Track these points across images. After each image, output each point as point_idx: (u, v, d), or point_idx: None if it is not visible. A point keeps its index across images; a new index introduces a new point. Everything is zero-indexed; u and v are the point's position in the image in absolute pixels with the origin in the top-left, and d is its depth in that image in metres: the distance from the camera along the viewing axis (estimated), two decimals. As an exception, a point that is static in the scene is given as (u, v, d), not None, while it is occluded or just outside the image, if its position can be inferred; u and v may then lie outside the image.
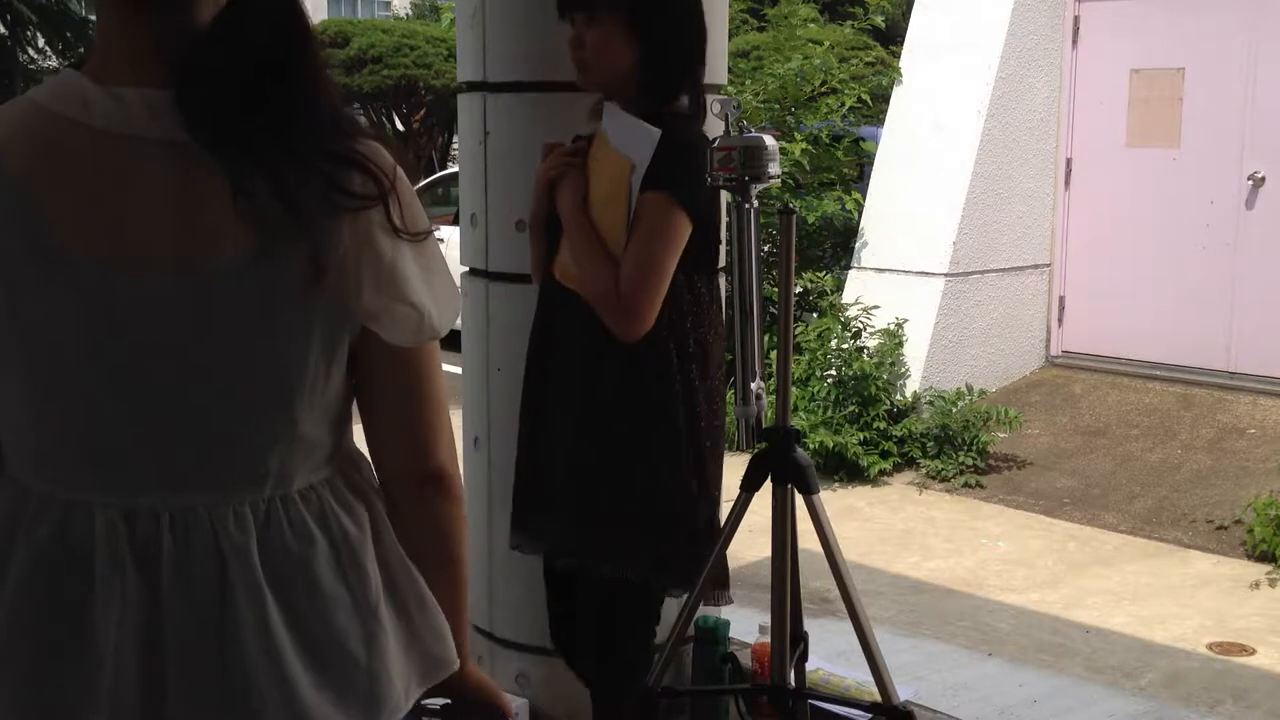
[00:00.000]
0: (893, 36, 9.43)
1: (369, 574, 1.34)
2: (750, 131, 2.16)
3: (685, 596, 2.40)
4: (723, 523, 2.40)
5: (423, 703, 1.44)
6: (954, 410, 6.66)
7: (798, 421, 6.32)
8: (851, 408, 6.66)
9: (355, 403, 1.38)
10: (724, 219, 2.48)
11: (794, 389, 6.30)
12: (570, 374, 2.43)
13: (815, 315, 7.27)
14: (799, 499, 2.27)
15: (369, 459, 1.41)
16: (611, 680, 2.54)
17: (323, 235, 1.23)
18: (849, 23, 8.59)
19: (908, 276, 7.27)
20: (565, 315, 2.43)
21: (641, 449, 2.37)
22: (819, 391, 6.76)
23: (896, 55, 7.98)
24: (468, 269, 3.19)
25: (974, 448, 6.54)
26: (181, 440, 1.25)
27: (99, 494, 1.25)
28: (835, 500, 6.14)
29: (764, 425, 2.24)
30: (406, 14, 24.64)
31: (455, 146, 7.10)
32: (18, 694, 1.26)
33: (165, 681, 1.25)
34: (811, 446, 6.35)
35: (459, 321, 3.25)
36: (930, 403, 6.83)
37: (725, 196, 2.40)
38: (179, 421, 1.25)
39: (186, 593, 1.25)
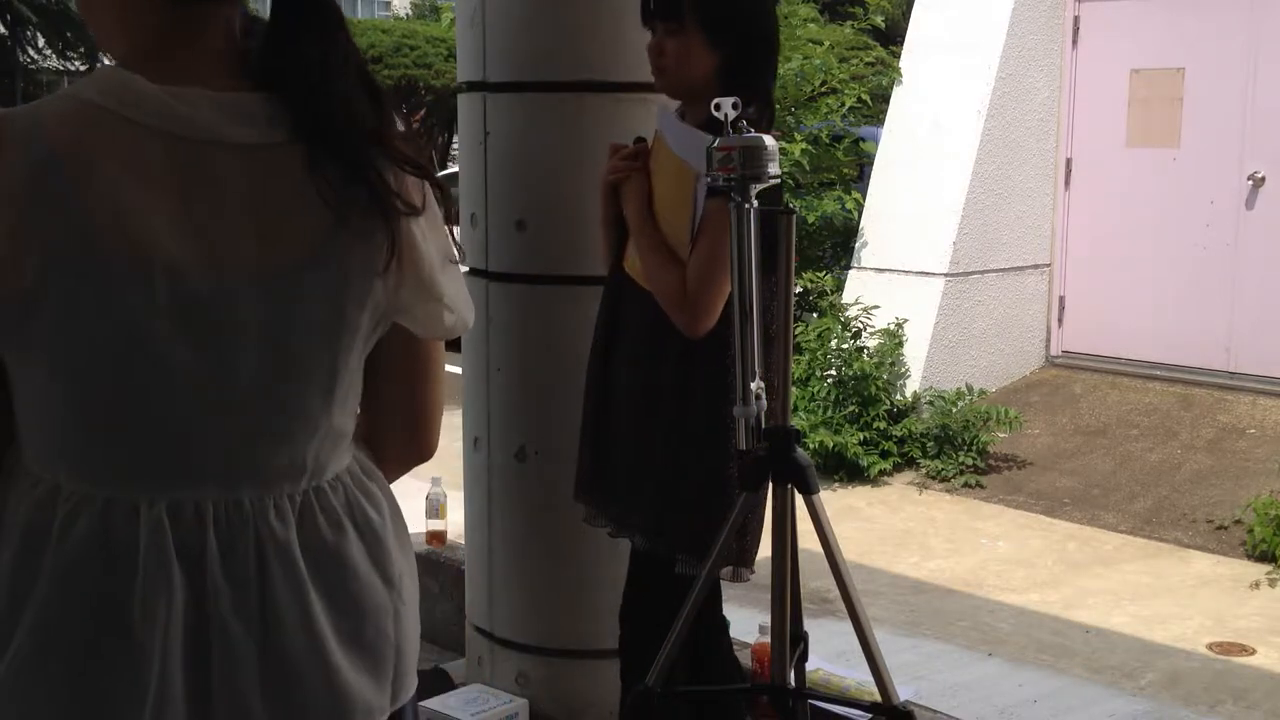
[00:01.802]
0: (893, 36, 9.43)
1: (392, 555, 1.38)
2: (750, 131, 2.16)
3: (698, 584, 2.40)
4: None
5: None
6: (954, 410, 6.66)
7: (798, 421, 6.32)
8: (851, 408, 6.66)
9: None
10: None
11: (794, 389, 6.30)
12: (632, 359, 2.51)
13: (815, 315, 7.27)
14: (799, 499, 2.27)
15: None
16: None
17: (396, 232, 1.28)
18: (849, 23, 8.59)
19: (908, 276, 7.27)
20: (631, 304, 2.52)
21: (696, 434, 2.43)
22: (819, 391, 6.76)
23: (896, 55, 7.98)
24: (468, 269, 3.19)
25: (974, 448, 6.54)
26: (233, 437, 1.27)
27: (144, 491, 1.25)
28: (835, 500, 6.14)
29: (764, 425, 2.24)
30: (406, 14, 24.64)
31: (455, 146, 7.10)
32: (57, 692, 1.25)
33: (210, 674, 1.27)
34: (811, 446, 6.35)
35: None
36: (930, 403, 6.83)
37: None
38: (233, 418, 1.27)
39: (230, 586, 1.26)
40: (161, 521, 1.25)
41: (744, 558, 2.46)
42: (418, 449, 1.47)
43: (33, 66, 9.32)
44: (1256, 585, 5.14)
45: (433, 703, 3.10)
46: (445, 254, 1.36)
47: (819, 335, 6.90)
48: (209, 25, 1.27)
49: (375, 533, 1.36)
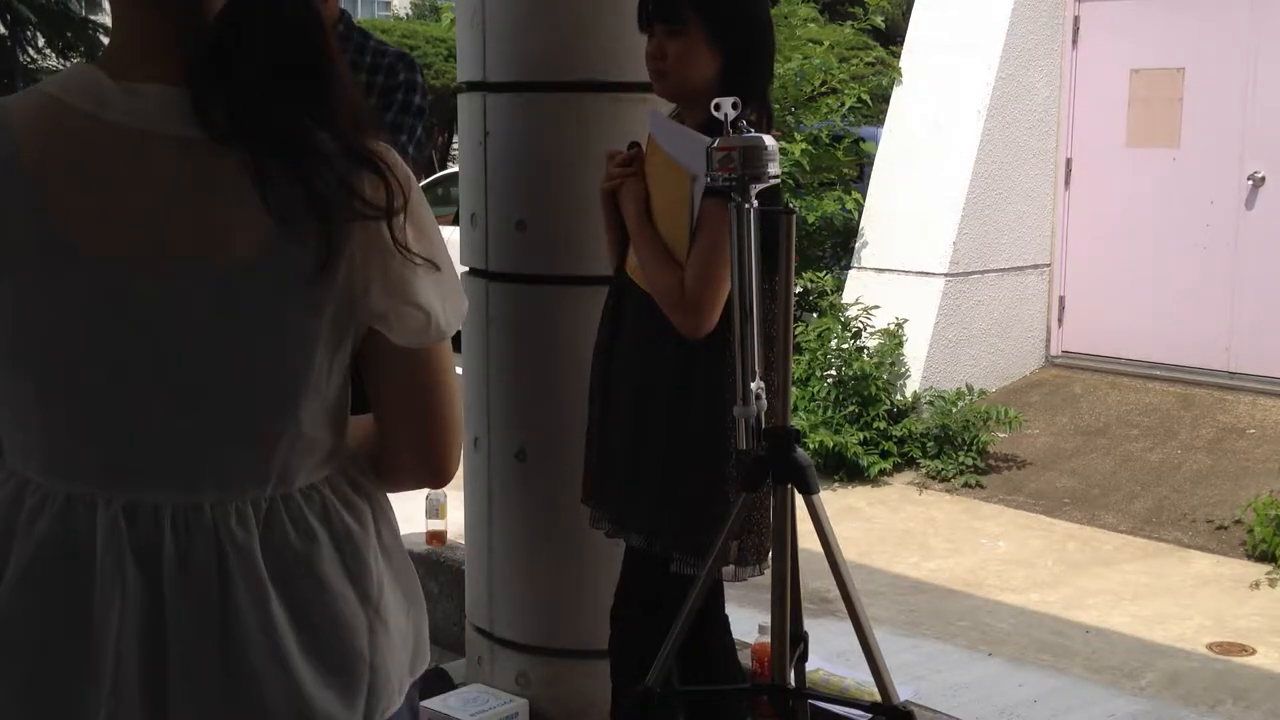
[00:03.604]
0: (893, 36, 9.43)
1: (371, 569, 1.34)
2: (750, 132, 2.16)
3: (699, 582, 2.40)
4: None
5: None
6: (954, 410, 6.66)
7: (798, 421, 6.32)
8: (851, 408, 6.66)
9: (370, 403, 1.38)
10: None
11: (794, 389, 6.30)
12: (633, 360, 2.52)
13: (815, 315, 7.28)
14: (799, 499, 2.27)
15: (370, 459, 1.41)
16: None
17: (335, 233, 1.22)
18: (849, 23, 8.59)
19: (908, 276, 7.27)
20: (632, 306, 2.52)
21: (694, 433, 2.43)
22: (819, 391, 6.76)
23: (896, 55, 7.99)
24: (468, 269, 3.19)
25: (974, 448, 6.54)
26: (188, 437, 1.25)
27: (102, 489, 1.25)
28: (835, 500, 6.14)
29: (764, 425, 2.24)
30: (406, 14, 24.63)
31: (455, 146, 7.10)
32: (20, 691, 1.26)
33: (167, 679, 1.25)
34: (811, 446, 6.35)
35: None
36: (930, 403, 6.83)
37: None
38: (186, 418, 1.25)
39: (188, 589, 1.24)
40: (118, 521, 1.24)
41: (745, 556, 2.46)
42: (429, 469, 1.40)
43: (33, 66, 9.32)
44: (1256, 585, 5.14)
45: (433, 703, 3.10)
46: (427, 254, 1.28)
47: (819, 335, 6.90)
48: (176, 20, 1.24)
49: (355, 546, 1.33)
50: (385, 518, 1.40)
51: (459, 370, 3.15)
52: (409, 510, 1.53)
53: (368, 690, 1.33)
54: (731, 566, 2.46)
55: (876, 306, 7.05)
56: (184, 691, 1.25)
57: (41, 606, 1.25)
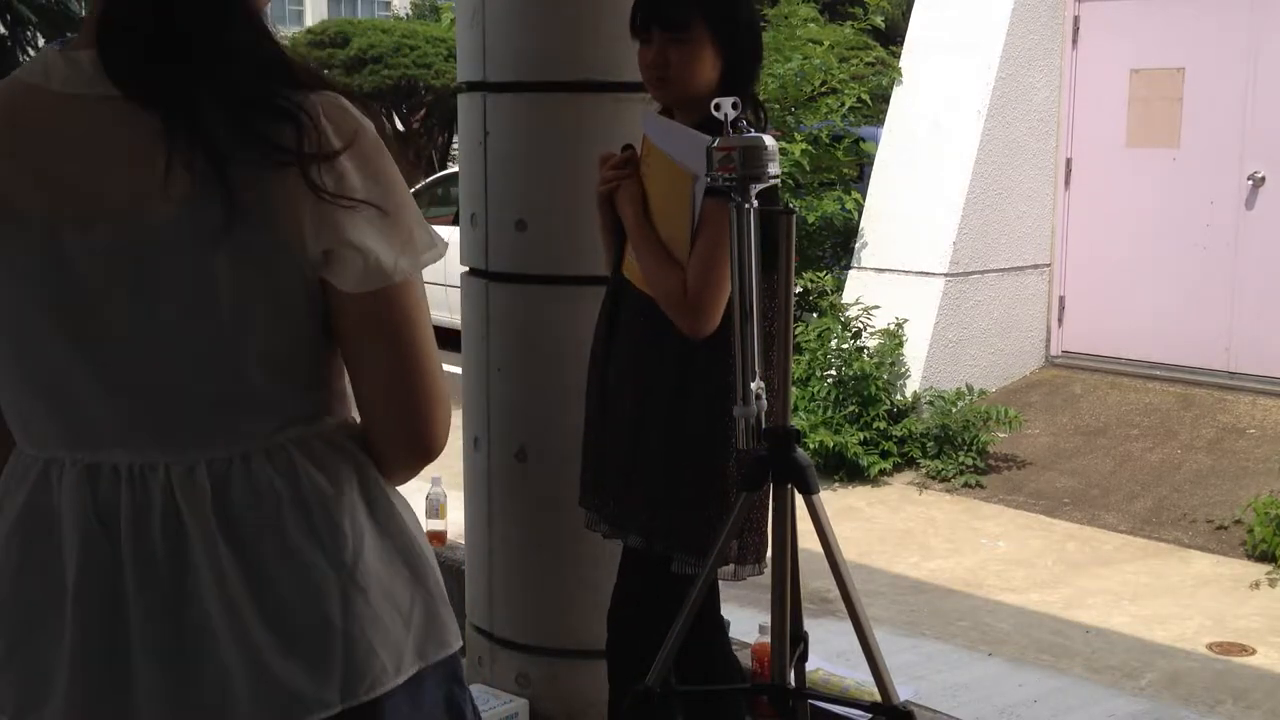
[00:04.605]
0: (893, 36, 9.43)
1: (345, 534, 1.29)
2: (750, 131, 2.16)
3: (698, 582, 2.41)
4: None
5: None
6: (954, 410, 6.66)
7: (798, 421, 6.32)
8: (851, 408, 6.66)
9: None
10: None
11: (794, 389, 6.30)
12: (631, 361, 2.52)
13: (815, 315, 7.28)
14: (799, 499, 2.27)
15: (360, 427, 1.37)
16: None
17: (233, 180, 1.20)
18: (849, 23, 8.59)
19: (908, 276, 7.27)
20: (629, 307, 2.52)
21: (694, 433, 2.43)
22: (819, 391, 6.76)
23: (896, 55, 7.98)
24: (468, 269, 3.19)
25: (974, 448, 6.55)
26: (133, 396, 1.26)
27: (67, 451, 1.28)
28: (835, 500, 6.14)
29: (764, 425, 2.25)
30: (406, 14, 24.64)
31: (455, 146, 7.10)
32: (9, 655, 1.29)
33: (130, 645, 1.25)
34: (811, 446, 6.35)
35: (458, 320, 3.26)
36: (930, 403, 6.83)
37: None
38: (129, 377, 1.25)
39: (145, 552, 1.24)
40: (81, 482, 1.26)
41: (745, 555, 2.46)
42: (409, 437, 1.33)
43: (34, 67, 9.35)
44: (1256, 585, 5.13)
45: (433, 703, 3.10)
46: (369, 197, 1.25)
47: (819, 335, 6.90)
48: None
49: (325, 508, 1.28)
50: (372, 482, 1.34)
51: (458, 370, 3.15)
52: (409, 510, 1.50)
53: (342, 663, 1.28)
54: (732, 566, 2.46)
55: (876, 306, 7.05)
56: (145, 659, 1.25)
57: (18, 574, 1.29)
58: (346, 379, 1.35)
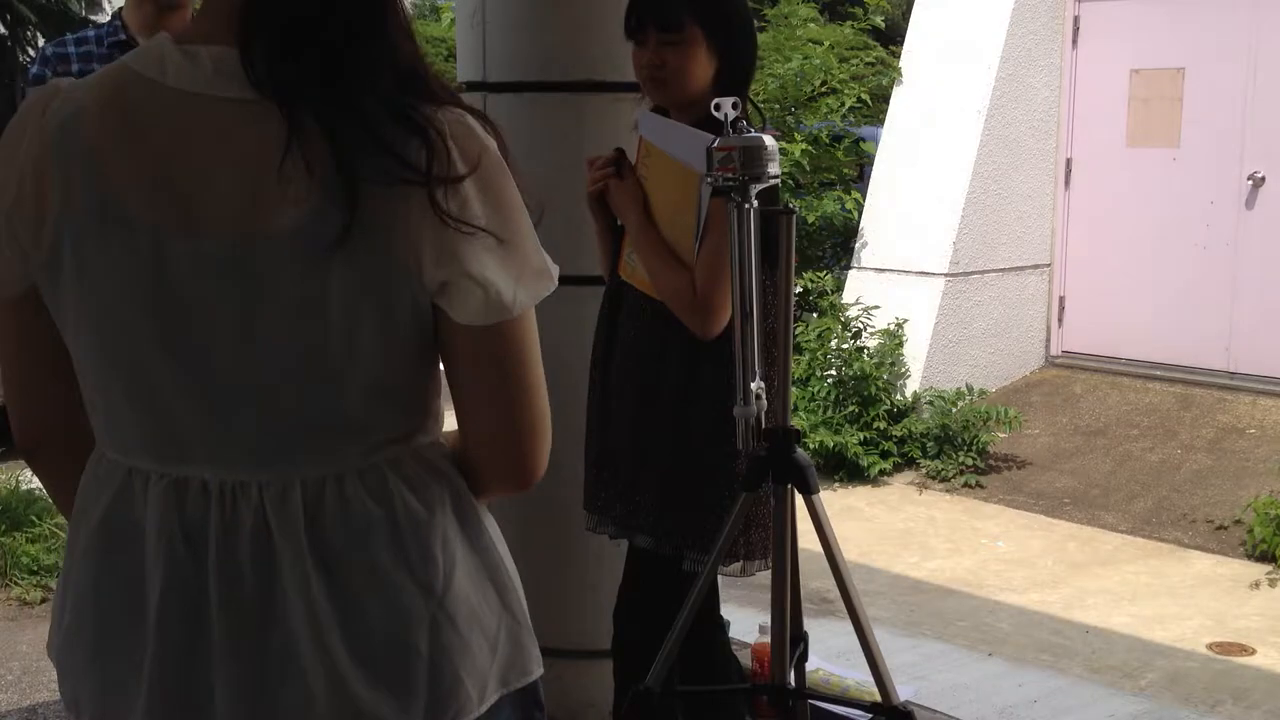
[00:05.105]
0: (893, 36, 9.42)
1: (436, 560, 1.25)
2: (750, 131, 2.16)
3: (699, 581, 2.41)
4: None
5: None
6: (954, 410, 6.66)
7: (798, 421, 6.32)
8: (851, 408, 6.67)
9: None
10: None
11: (794, 389, 6.31)
12: (633, 363, 2.51)
13: (815, 315, 7.28)
14: (799, 499, 2.27)
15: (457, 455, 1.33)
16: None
17: (363, 197, 1.15)
18: (849, 23, 8.59)
19: (908, 276, 7.27)
20: (629, 310, 2.52)
21: (701, 432, 2.43)
22: (819, 391, 6.76)
23: (896, 55, 7.99)
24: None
25: (974, 448, 6.55)
26: (228, 410, 1.20)
27: (155, 463, 1.22)
28: (835, 500, 6.14)
29: (764, 425, 2.25)
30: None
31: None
32: (88, 666, 1.26)
33: (210, 665, 1.21)
34: (811, 446, 6.35)
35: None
36: (930, 403, 6.83)
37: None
38: (226, 391, 1.20)
39: (231, 572, 1.20)
40: (168, 496, 1.21)
41: (753, 551, 2.47)
42: (511, 466, 1.30)
43: (33, 67, 9.32)
44: (1256, 585, 5.14)
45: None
46: (490, 226, 1.20)
47: (819, 335, 6.90)
48: None
49: (418, 533, 1.24)
50: (465, 502, 1.30)
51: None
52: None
53: (427, 693, 1.24)
54: (740, 562, 2.47)
55: (876, 306, 7.05)
56: (226, 678, 1.20)
57: (100, 584, 1.25)
58: (441, 399, 1.31)
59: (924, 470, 6.56)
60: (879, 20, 8.48)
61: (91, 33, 3.39)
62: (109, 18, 3.45)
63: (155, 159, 1.19)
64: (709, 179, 2.19)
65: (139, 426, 1.23)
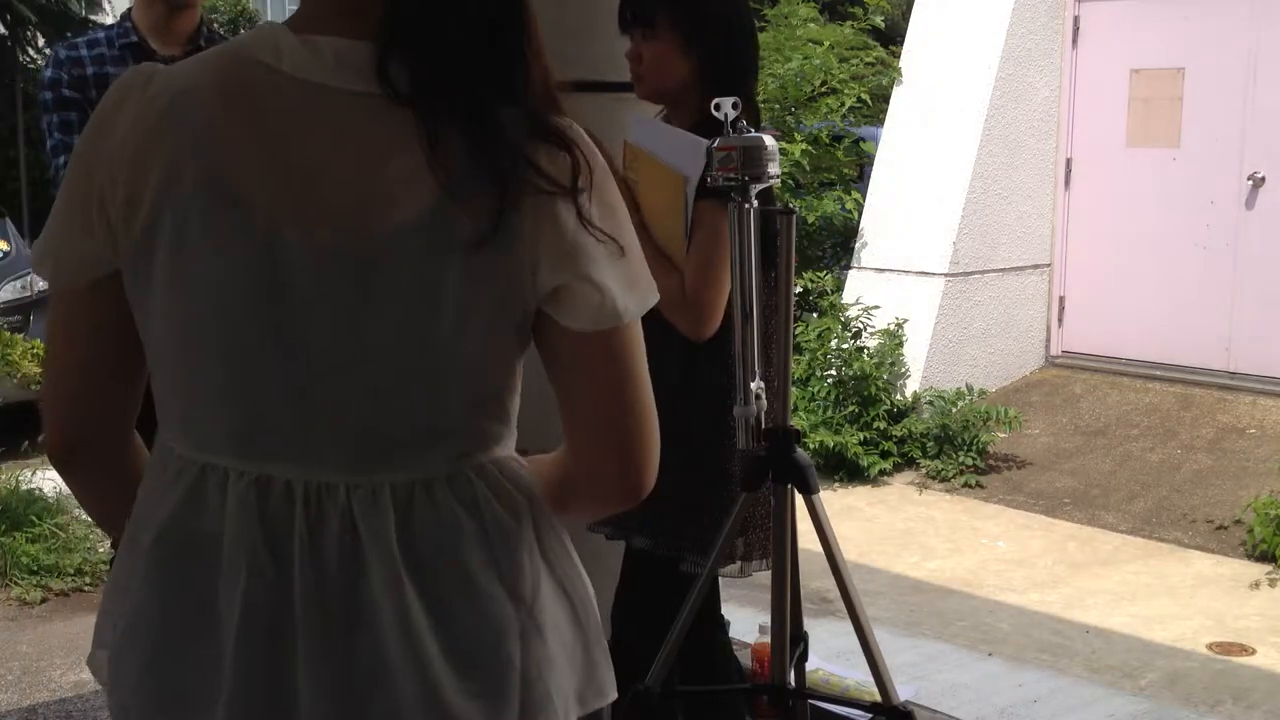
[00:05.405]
0: (893, 36, 9.42)
1: (525, 568, 1.23)
2: (750, 131, 2.16)
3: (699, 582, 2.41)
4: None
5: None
6: (954, 410, 6.66)
7: (798, 421, 6.32)
8: (851, 408, 6.67)
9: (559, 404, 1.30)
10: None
11: (794, 389, 6.31)
12: None
13: (815, 315, 7.28)
14: (799, 499, 2.27)
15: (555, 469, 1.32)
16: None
17: (508, 203, 1.14)
18: (849, 23, 8.59)
19: (908, 276, 7.27)
20: None
21: (699, 433, 2.43)
22: (819, 391, 6.77)
23: (896, 55, 7.99)
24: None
25: (974, 448, 6.55)
26: (321, 406, 1.17)
27: (236, 460, 1.18)
28: (835, 500, 6.14)
29: (764, 425, 2.25)
30: (406, 14, 24.63)
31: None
32: (141, 677, 1.20)
33: (295, 669, 1.16)
34: (811, 446, 6.35)
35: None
36: (930, 403, 6.83)
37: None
38: (322, 386, 1.17)
39: (318, 575, 1.16)
40: (249, 495, 1.17)
41: (751, 551, 2.47)
42: (620, 480, 1.29)
43: (32, 66, 9.30)
44: (1256, 585, 5.14)
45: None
46: (612, 233, 1.20)
47: (819, 335, 6.90)
48: None
49: (506, 541, 1.22)
50: (543, 515, 1.29)
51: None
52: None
53: (520, 706, 1.21)
54: (738, 563, 2.46)
55: (876, 306, 7.06)
56: (311, 684, 1.16)
57: (168, 584, 1.19)
58: (517, 407, 1.30)
59: (924, 470, 6.56)
60: (879, 20, 8.49)
61: (101, 34, 3.39)
62: (110, 18, 3.45)
63: (271, 143, 1.16)
64: (709, 179, 2.19)
65: (224, 420, 1.18)
